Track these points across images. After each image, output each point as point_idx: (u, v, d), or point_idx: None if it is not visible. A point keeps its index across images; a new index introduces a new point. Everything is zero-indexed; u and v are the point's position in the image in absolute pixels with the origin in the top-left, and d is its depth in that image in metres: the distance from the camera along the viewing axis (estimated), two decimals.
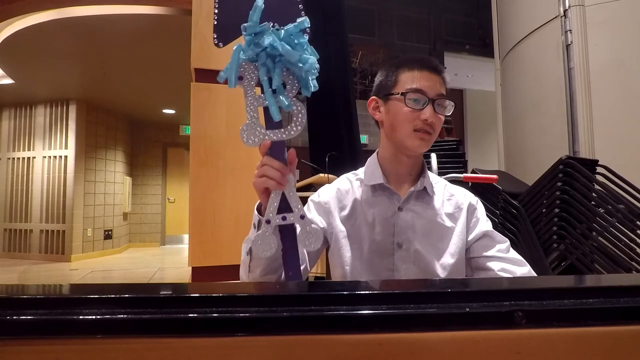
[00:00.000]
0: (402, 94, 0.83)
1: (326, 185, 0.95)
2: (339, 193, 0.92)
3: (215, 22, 0.66)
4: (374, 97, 0.92)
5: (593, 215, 1.84)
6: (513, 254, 0.86)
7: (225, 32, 0.66)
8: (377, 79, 0.92)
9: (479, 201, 0.93)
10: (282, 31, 0.62)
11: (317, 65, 0.63)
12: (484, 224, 0.90)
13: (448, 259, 0.85)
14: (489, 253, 0.85)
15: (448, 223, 0.88)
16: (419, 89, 0.82)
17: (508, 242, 0.87)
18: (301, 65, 0.61)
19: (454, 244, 0.87)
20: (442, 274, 0.85)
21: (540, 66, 2.83)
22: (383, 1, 7.62)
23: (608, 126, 2.43)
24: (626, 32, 2.42)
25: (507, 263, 0.83)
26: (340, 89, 4.20)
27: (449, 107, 0.85)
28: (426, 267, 0.85)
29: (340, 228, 0.89)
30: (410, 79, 0.84)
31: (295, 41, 0.62)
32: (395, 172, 0.90)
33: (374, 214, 0.87)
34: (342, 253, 0.87)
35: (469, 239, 0.88)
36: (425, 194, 0.89)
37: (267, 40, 0.60)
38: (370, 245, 0.86)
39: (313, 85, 0.63)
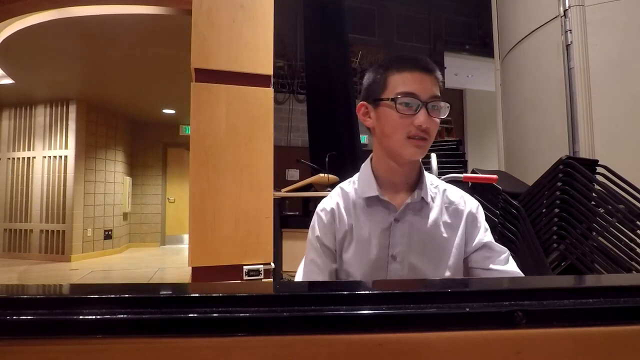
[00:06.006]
0: (393, 99, 0.76)
1: (326, 201, 0.90)
2: (337, 209, 0.87)
3: None
4: (363, 102, 0.85)
5: (593, 215, 1.84)
6: (511, 265, 0.83)
7: None
8: (365, 81, 0.85)
9: (480, 207, 0.90)
10: None
11: None
12: (484, 234, 0.86)
13: (444, 272, 0.82)
14: (486, 265, 0.83)
15: (446, 234, 0.84)
16: (411, 93, 0.76)
17: (507, 253, 0.85)
18: None
19: (453, 256, 0.83)
20: None
21: (540, 66, 2.83)
22: (383, 1, 7.61)
23: (608, 126, 2.43)
24: (626, 32, 2.42)
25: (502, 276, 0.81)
26: (340, 89, 4.20)
27: (445, 109, 0.79)
28: None
29: (343, 244, 0.86)
30: (400, 82, 0.77)
31: None
32: (390, 181, 0.85)
33: (369, 227, 0.84)
34: (343, 266, 0.86)
35: (467, 249, 0.85)
36: (423, 204, 0.84)
37: None
38: (366, 257, 0.84)
39: None
